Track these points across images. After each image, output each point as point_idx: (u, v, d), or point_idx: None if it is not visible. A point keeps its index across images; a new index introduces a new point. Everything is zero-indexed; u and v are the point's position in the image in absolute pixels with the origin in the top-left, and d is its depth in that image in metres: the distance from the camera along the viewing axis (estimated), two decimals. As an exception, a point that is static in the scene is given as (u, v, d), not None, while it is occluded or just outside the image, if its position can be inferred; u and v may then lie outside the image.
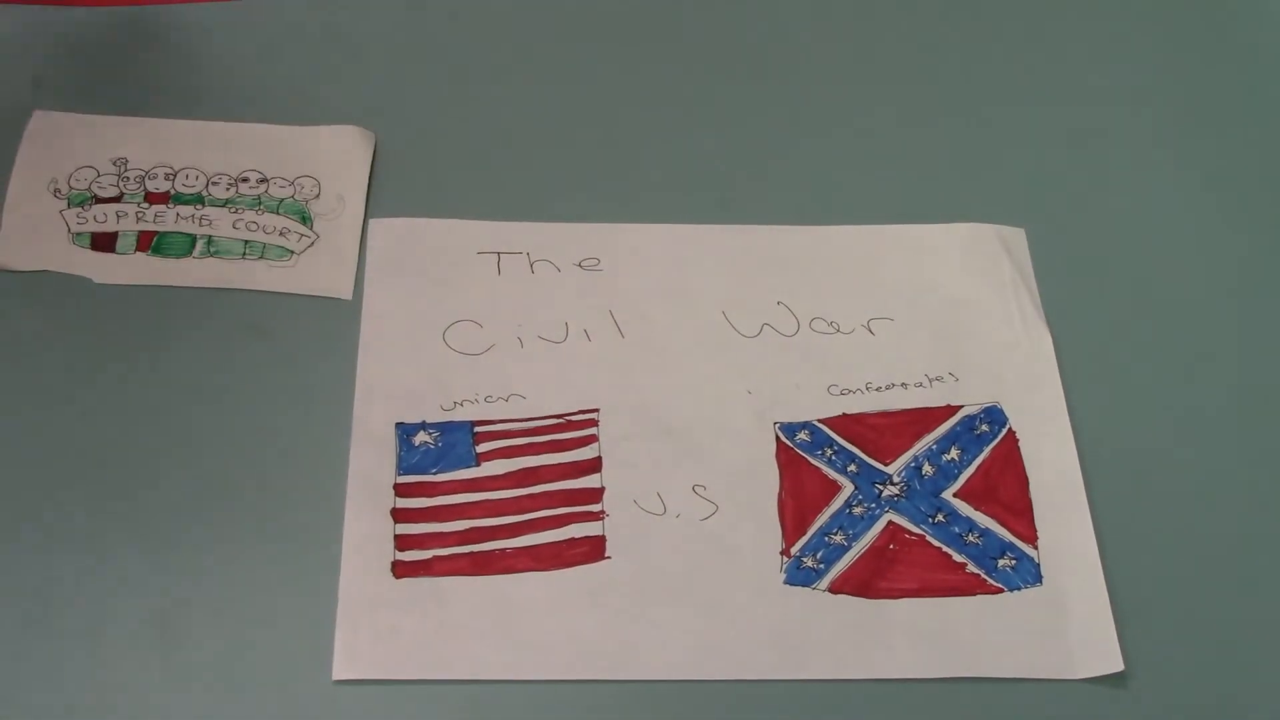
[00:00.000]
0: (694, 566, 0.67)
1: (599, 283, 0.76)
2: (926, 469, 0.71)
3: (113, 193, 0.77)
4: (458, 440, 0.70)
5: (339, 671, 0.63)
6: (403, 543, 0.67)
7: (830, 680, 0.64)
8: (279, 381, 0.71)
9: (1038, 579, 0.68)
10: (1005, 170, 0.82)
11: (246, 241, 0.76)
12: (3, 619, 0.63)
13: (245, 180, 0.78)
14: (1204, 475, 0.72)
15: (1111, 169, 0.83)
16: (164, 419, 0.69)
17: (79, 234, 0.75)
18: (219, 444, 0.69)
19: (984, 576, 0.68)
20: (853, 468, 0.71)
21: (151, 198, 0.77)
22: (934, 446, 0.71)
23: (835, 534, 0.69)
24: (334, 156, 0.79)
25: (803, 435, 0.71)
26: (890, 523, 0.69)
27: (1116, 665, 0.65)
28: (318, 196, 0.78)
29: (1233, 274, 0.79)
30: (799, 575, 0.67)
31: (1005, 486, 0.70)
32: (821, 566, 0.68)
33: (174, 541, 0.66)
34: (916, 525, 0.69)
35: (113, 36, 0.84)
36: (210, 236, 0.76)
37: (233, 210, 0.77)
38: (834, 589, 0.67)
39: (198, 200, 0.77)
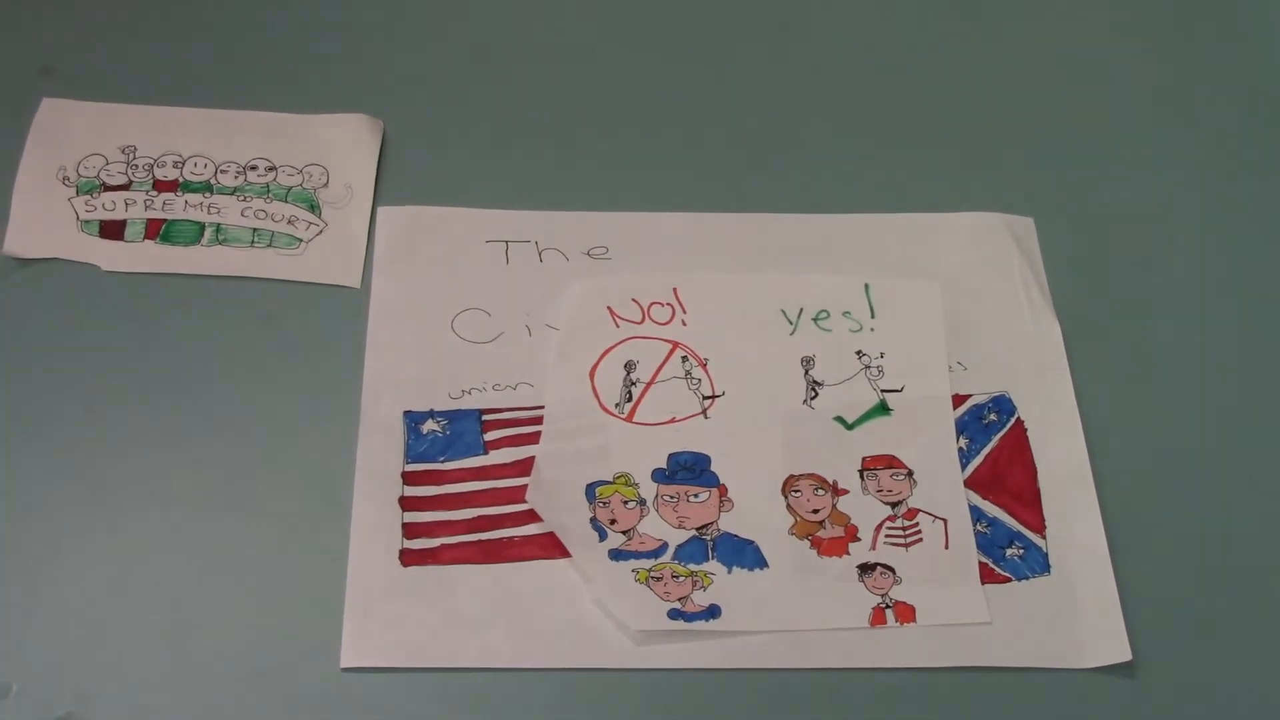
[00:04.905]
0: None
1: (607, 271, 0.76)
2: (935, 458, 0.71)
3: (121, 181, 0.77)
4: (466, 428, 0.70)
5: (347, 659, 0.63)
6: (411, 531, 0.67)
7: (840, 669, 0.64)
8: (287, 370, 0.71)
9: (1045, 568, 0.68)
10: (1014, 160, 0.82)
11: (255, 230, 0.76)
12: (11, 607, 0.64)
13: (253, 168, 0.78)
14: (1212, 464, 0.72)
15: (1121, 159, 0.83)
16: (172, 407, 0.70)
17: (87, 222, 0.75)
18: (227, 432, 0.69)
19: (992, 565, 0.68)
20: (861, 456, 0.71)
21: (160, 186, 0.77)
22: (942, 436, 0.72)
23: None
24: (342, 145, 0.79)
25: (811, 424, 0.72)
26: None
27: (1124, 655, 0.65)
28: (326, 185, 0.78)
29: (1242, 264, 0.79)
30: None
31: (1013, 476, 0.70)
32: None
33: (182, 529, 0.66)
34: (925, 514, 0.69)
35: (121, 25, 0.84)
36: (218, 224, 0.76)
37: (241, 198, 0.77)
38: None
39: (206, 188, 0.77)
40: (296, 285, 0.74)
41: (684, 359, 0.73)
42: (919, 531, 0.68)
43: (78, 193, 0.76)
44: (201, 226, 0.76)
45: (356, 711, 0.62)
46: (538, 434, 0.70)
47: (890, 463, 0.70)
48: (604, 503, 0.68)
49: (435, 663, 0.63)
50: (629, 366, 0.72)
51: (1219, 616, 0.67)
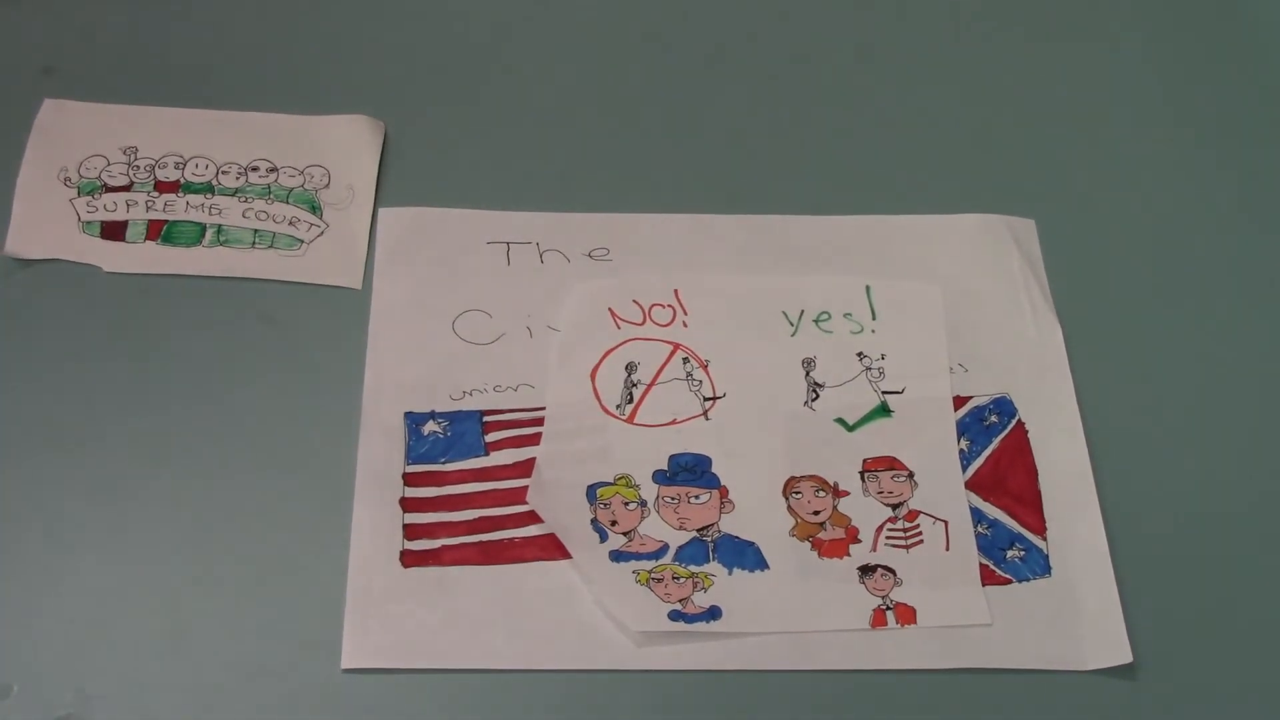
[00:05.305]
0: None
1: (608, 273, 0.76)
2: (936, 460, 0.71)
3: (123, 181, 0.77)
4: (467, 430, 0.70)
5: (348, 660, 0.63)
6: (411, 532, 0.67)
7: (841, 670, 0.64)
8: (288, 371, 0.71)
9: (1046, 570, 0.68)
10: (1015, 161, 0.82)
11: (256, 231, 0.76)
12: (12, 607, 0.64)
13: (255, 169, 0.78)
14: (1213, 466, 0.72)
15: (1122, 160, 0.83)
16: (173, 408, 0.70)
17: (89, 223, 0.75)
18: (228, 433, 0.69)
19: (993, 567, 0.67)
20: (862, 458, 0.71)
21: (161, 187, 0.77)
22: (943, 437, 0.72)
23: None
24: (343, 146, 0.79)
25: (812, 426, 0.72)
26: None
27: (1125, 657, 0.65)
28: (327, 186, 0.78)
29: (1244, 265, 0.79)
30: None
31: (1014, 478, 0.70)
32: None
33: (182, 531, 0.66)
34: (926, 516, 0.69)
35: (123, 25, 0.84)
36: (220, 225, 0.76)
37: (242, 199, 0.77)
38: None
39: (207, 189, 0.77)
40: (298, 286, 0.74)
41: (685, 360, 0.73)
42: (920, 533, 0.68)
43: (79, 193, 0.76)
44: (203, 227, 0.76)
45: (357, 712, 0.62)
46: (539, 435, 0.70)
47: (891, 464, 0.70)
48: (605, 504, 0.68)
49: (436, 664, 0.63)
50: (630, 368, 0.72)
51: (1220, 619, 0.67)
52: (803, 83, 0.85)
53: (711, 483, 0.69)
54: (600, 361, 0.73)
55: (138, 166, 0.77)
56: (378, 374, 0.71)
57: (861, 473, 0.70)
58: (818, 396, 0.72)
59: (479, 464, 0.69)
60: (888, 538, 0.68)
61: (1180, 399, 0.74)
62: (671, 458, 0.70)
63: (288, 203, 0.77)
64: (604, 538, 0.67)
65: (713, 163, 0.81)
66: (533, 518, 0.67)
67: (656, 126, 0.82)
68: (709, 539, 0.67)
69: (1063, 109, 0.85)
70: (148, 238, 0.75)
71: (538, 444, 0.70)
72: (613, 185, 0.79)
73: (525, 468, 0.69)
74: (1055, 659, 0.65)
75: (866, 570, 0.67)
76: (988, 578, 0.67)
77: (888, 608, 0.66)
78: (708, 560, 0.67)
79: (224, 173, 0.78)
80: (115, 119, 0.79)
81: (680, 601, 0.65)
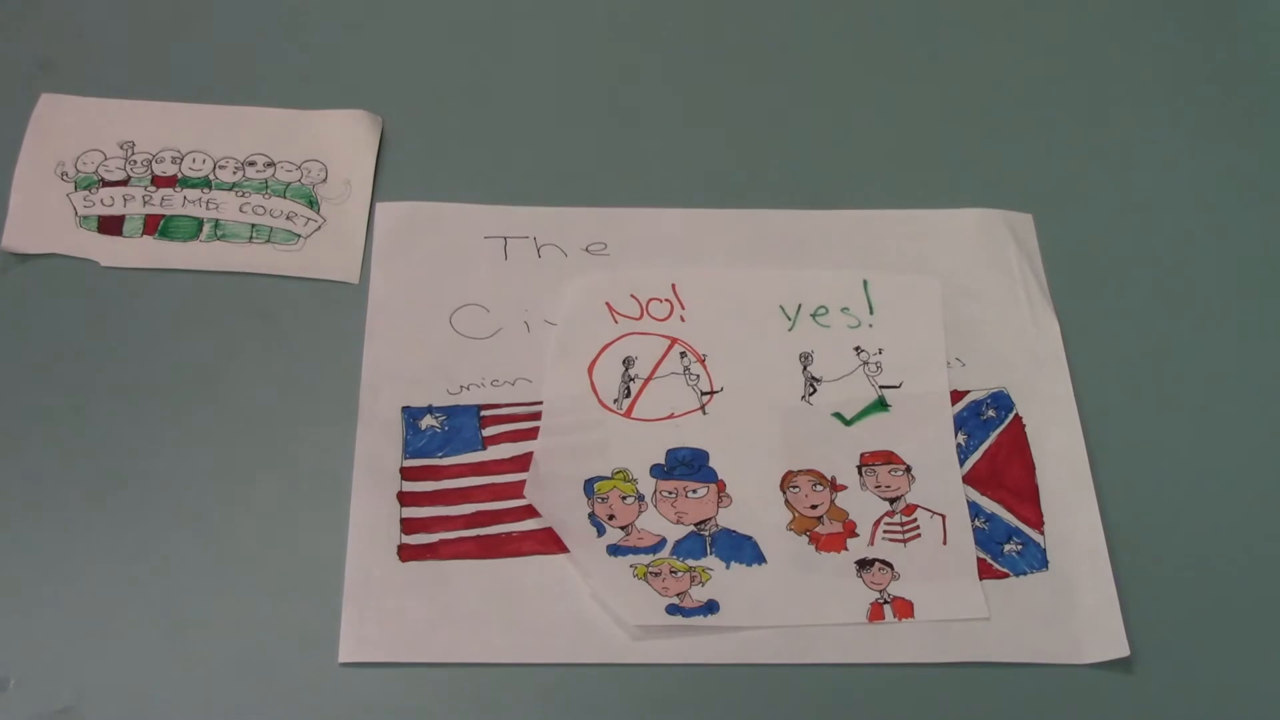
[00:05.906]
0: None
1: (605, 267, 0.76)
2: (933, 454, 0.71)
3: (120, 176, 0.77)
4: (464, 424, 0.70)
5: (345, 654, 0.63)
6: (409, 526, 0.67)
7: (839, 664, 0.64)
8: (285, 365, 0.71)
9: (1044, 564, 0.68)
10: (1014, 156, 0.82)
11: (253, 225, 0.76)
12: (9, 604, 0.64)
13: (252, 164, 0.78)
14: (1210, 461, 0.72)
15: (1120, 155, 0.83)
16: (170, 403, 0.70)
17: (86, 217, 0.75)
18: (226, 428, 0.69)
19: (990, 561, 0.68)
20: (860, 452, 0.71)
21: (158, 181, 0.77)
22: (941, 432, 0.71)
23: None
24: (341, 140, 0.79)
25: (809, 420, 0.72)
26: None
27: (1122, 650, 0.65)
28: (325, 180, 0.78)
29: (1241, 260, 0.79)
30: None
31: (1012, 472, 0.70)
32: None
33: (180, 525, 0.66)
34: (923, 510, 0.69)
35: (120, 19, 0.84)
36: (217, 220, 0.76)
37: (239, 194, 0.77)
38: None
39: (204, 184, 0.77)
40: (295, 281, 0.74)
41: (682, 355, 0.73)
42: (917, 527, 0.68)
43: (76, 188, 0.76)
44: (200, 222, 0.76)
45: (354, 706, 0.62)
46: (536, 430, 0.70)
47: (889, 458, 0.70)
48: (602, 498, 0.68)
49: (433, 658, 0.63)
50: (627, 362, 0.72)
51: (1217, 612, 0.67)
52: (800, 77, 0.85)
53: (709, 477, 0.69)
54: (598, 356, 0.73)
55: (135, 161, 0.77)
56: (375, 368, 0.71)
57: (859, 467, 0.70)
58: (815, 391, 0.72)
59: (476, 458, 0.69)
60: (885, 532, 0.68)
61: (1177, 393, 0.74)
62: (669, 452, 0.70)
63: (285, 197, 0.77)
64: (601, 532, 0.67)
65: (710, 157, 0.81)
66: (530, 512, 0.67)
67: (654, 121, 0.82)
68: (706, 533, 0.68)
69: (1061, 104, 0.85)
70: (145, 232, 0.75)
71: (535, 438, 0.70)
72: (610, 180, 0.79)
73: (523, 462, 0.69)
74: (1052, 653, 0.65)
75: (864, 564, 0.67)
76: (985, 572, 0.67)
77: (885, 602, 0.66)
78: (705, 554, 0.67)
79: (221, 167, 0.78)
80: (112, 113, 0.79)
81: (678, 595, 0.65)
